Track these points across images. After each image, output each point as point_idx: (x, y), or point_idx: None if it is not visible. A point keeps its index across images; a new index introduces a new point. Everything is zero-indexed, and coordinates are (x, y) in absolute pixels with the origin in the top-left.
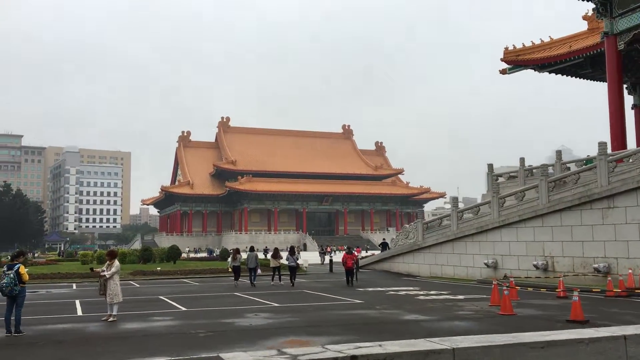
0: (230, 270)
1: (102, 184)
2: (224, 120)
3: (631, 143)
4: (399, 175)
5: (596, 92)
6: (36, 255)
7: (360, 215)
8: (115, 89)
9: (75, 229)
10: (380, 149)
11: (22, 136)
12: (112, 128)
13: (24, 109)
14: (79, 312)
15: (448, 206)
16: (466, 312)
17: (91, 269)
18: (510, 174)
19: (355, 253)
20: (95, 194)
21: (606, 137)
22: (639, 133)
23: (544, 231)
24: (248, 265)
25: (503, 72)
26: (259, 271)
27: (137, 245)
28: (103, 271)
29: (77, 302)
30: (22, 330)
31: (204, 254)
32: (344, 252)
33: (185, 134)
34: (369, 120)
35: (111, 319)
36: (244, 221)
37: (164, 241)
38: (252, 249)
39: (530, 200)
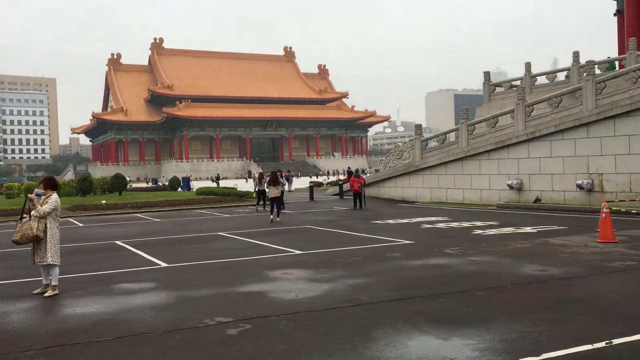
0: (254, 196)
1: (26, 112)
2: (157, 41)
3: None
4: (344, 100)
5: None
6: None
7: (305, 140)
8: (36, 14)
9: (0, 160)
10: (323, 72)
11: None
12: (34, 54)
13: None
14: None
15: (388, 130)
16: (591, 256)
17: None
18: (512, 83)
19: (363, 176)
20: (20, 122)
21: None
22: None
23: (589, 144)
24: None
25: None
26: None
27: (69, 176)
28: (29, 208)
29: None
30: None
31: (145, 184)
32: (352, 175)
33: (115, 57)
34: (311, 43)
35: (49, 292)
36: (185, 149)
37: (99, 171)
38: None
39: (569, 107)
